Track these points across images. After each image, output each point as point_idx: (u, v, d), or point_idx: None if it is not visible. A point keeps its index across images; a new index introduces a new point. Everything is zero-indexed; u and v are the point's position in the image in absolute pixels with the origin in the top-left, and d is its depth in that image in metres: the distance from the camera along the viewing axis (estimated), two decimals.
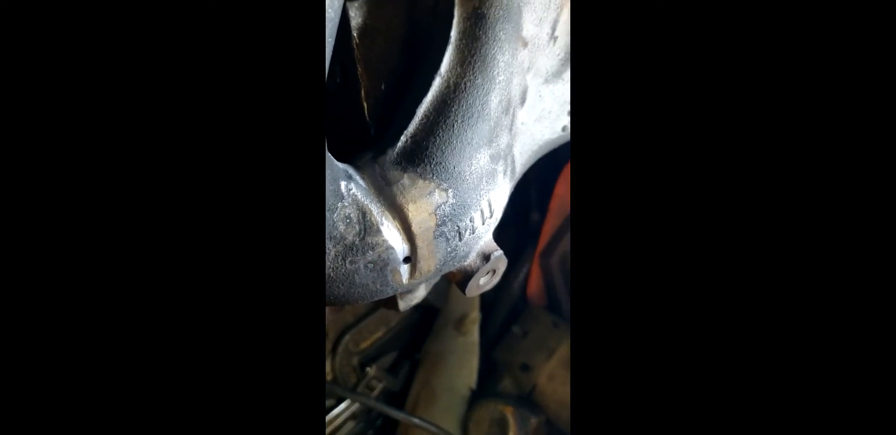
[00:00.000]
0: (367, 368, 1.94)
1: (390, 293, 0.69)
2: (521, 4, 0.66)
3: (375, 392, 1.96)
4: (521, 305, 1.88)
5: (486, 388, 1.71)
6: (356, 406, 1.80)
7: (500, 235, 0.75)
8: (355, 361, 1.98)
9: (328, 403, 1.86)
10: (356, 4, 0.69)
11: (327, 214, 0.60)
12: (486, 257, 0.71)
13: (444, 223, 0.65)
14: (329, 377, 1.94)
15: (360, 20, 0.69)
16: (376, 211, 0.63)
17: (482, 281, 0.73)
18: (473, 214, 0.67)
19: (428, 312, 2.00)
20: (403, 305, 0.82)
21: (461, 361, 1.69)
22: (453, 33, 0.64)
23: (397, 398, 1.93)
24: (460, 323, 1.72)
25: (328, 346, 1.89)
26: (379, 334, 1.98)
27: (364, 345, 1.97)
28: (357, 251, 0.62)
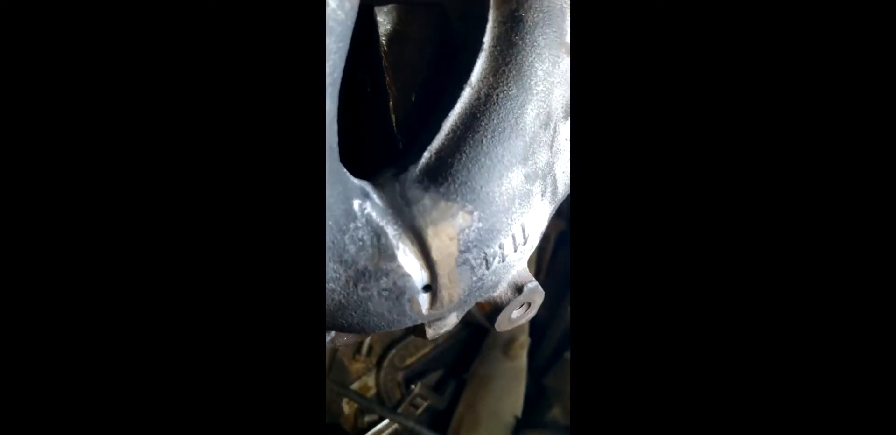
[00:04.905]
0: (413, 386, 1.88)
1: (410, 323, 0.63)
2: (565, 7, 0.59)
3: (420, 410, 1.90)
4: None
5: (533, 416, 1.62)
6: (396, 425, 1.74)
7: (555, 254, 0.68)
8: (400, 376, 1.93)
9: (370, 418, 1.81)
10: (384, 10, 0.64)
11: (338, 236, 0.55)
12: (518, 289, 0.63)
13: (468, 249, 0.58)
14: (373, 392, 1.90)
15: (388, 26, 0.64)
16: (392, 233, 0.57)
17: (514, 315, 0.66)
18: (503, 241, 0.60)
19: (477, 331, 1.93)
20: (431, 333, 0.76)
21: (507, 387, 1.60)
22: (486, 39, 0.58)
23: (443, 417, 1.87)
24: (508, 347, 1.63)
25: (373, 360, 1.85)
26: (426, 350, 1.92)
27: (410, 360, 1.91)
28: (370, 277, 0.57)
